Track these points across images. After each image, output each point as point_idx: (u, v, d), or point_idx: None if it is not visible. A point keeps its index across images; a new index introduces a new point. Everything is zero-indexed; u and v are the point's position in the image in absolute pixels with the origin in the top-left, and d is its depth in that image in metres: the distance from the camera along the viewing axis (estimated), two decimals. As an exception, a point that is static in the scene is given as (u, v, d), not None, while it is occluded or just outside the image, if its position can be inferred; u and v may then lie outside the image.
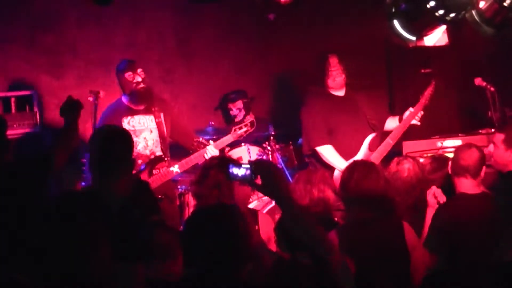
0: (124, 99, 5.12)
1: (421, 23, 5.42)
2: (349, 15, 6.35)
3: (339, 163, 4.95)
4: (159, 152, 5.06)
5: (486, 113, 5.32)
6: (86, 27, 5.96)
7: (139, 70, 5.04)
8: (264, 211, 4.88)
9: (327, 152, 5.09)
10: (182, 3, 6.32)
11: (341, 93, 5.28)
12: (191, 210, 5.14)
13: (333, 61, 5.14)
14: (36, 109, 5.51)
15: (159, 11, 6.16)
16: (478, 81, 5.35)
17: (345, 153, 5.01)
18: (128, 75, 5.03)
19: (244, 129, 5.06)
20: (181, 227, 4.25)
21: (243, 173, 2.34)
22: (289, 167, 5.69)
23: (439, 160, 4.03)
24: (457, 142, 5.45)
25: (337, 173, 4.82)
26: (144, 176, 4.84)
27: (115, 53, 6.18)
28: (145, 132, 5.06)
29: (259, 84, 6.61)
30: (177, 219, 5.12)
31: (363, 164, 3.57)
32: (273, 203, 4.70)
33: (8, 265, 2.78)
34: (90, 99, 5.00)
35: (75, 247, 2.24)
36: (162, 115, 5.12)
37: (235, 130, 5.09)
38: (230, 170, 2.36)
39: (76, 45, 6.05)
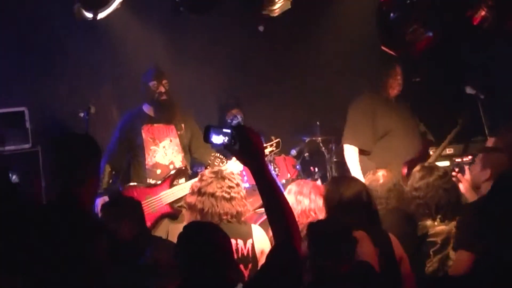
0: (145, 108, 5.12)
1: (409, 32, 5.46)
2: (340, 25, 6.39)
3: (354, 168, 5.16)
4: (178, 163, 5.06)
5: (477, 121, 5.33)
6: (77, 36, 5.93)
7: (164, 82, 5.03)
8: (257, 224, 4.87)
9: (350, 152, 5.26)
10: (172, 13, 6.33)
11: (395, 99, 5.46)
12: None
13: (398, 70, 5.38)
14: (28, 126, 5.45)
15: (149, 20, 6.17)
16: (468, 89, 5.36)
17: (399, 155, 5.18)
18: (153, 84, 5.03)
19: (270, 149, 4.72)
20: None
21: (222, 141, 2.24)
22: (282, 179, 5.68)
23: (426, 168, 4.07)
24: (450, 150, 5.50)
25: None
26: (164, 187, 4.85)
27: (105, 62, 6.16)
28: (164, 141, 5.05)
29: (250, 94, 6.62)
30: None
31: (347, 178, 3.61)
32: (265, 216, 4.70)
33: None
34: (81, 115, 4.99)
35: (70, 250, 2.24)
36: (183, 126, 5.12)
37: None
38: (210, 137, 2.27)
39: (67, 56, 6.01)
